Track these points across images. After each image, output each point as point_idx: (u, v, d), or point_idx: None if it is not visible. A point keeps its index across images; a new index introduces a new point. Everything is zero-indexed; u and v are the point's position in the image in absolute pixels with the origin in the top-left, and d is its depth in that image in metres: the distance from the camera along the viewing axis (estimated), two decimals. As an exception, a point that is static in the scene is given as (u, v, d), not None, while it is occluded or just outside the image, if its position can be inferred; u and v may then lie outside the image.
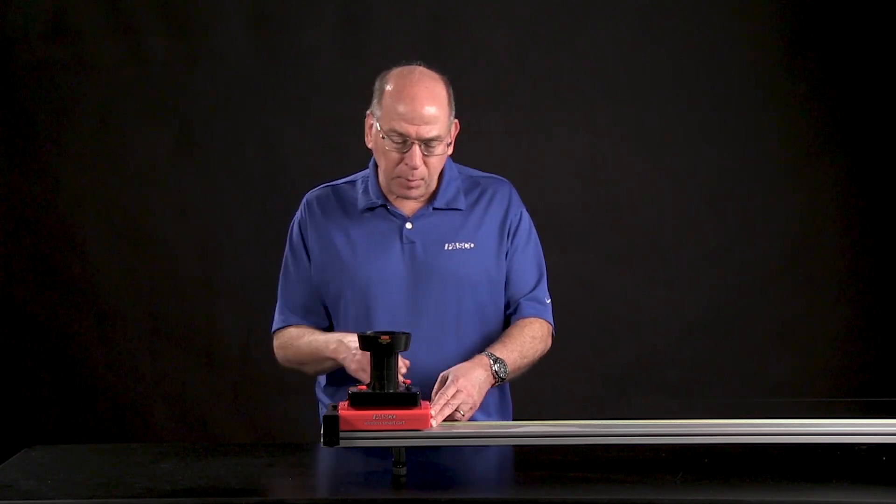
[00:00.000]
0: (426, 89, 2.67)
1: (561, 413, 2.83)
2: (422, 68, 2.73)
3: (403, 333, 2.31)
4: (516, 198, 2.87)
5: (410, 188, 2.72)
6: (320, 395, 2.89)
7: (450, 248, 2.76)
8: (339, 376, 2.74)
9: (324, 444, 2.24)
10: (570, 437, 2.37)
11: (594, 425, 2.38)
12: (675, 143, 4.53)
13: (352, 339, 2.60)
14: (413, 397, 2.27)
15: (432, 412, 2.43)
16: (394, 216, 2.78)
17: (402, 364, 2.50)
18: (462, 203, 2.81)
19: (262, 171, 4.55)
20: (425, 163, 2.69)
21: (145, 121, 4.53)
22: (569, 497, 2.21)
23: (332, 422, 2.24)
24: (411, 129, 2.65)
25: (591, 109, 4.55)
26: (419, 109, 2.64)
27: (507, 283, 2.83)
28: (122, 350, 4.57)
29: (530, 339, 2.77)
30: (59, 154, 4.54)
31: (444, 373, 2.60)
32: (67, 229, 4.55)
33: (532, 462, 2.52)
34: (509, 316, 2.85)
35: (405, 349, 2.32)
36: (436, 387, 2.56)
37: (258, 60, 4.53)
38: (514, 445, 2.53)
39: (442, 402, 2.49)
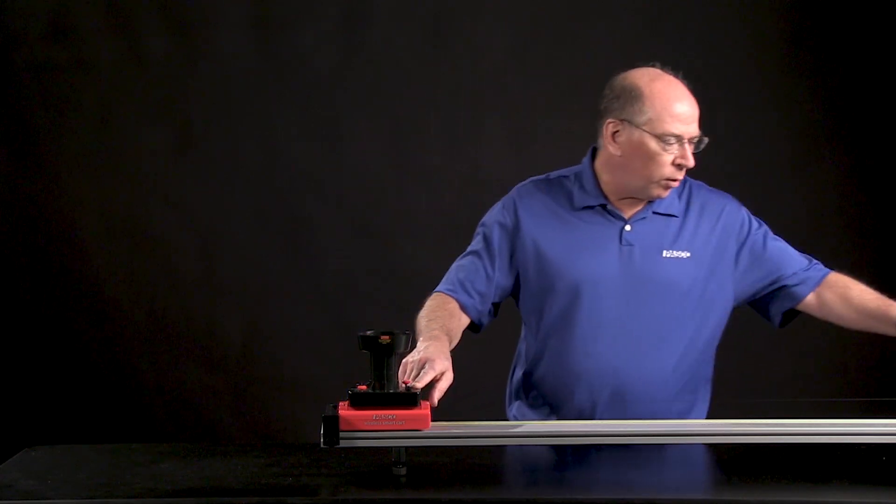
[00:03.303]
0: (684, 89, 2.75)
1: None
2: (662, 70, 2.79)
3: (404, 334, 2.30)
4: (734, 208, 2.84)
5: (669, 188, 2.73)
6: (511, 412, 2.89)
7: (667, 255, 2.75)
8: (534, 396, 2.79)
9: (323, 444, 2.24)
10: (570, 437, 2.37)
11: (594, 425, 2.37)
12: (675, 142, 4.53)
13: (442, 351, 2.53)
14: (413, 397, 2.27)
15: None
16: (613, 217, 2.77)
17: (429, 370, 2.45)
18: (677, 209, 2.80)
19: (262, 171, 4.55)
20: None
21: (145, 121, 4.54)
22: (568, 497, 2.21)
23: (332, 422, 2.24)
24: (685, 130, 2.69)
25: (591, 109, 4.53)
26: (689, 109, 2.71)
27: (779, 275, 2.80)
28: (122, 350, 4.57)
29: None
30: (59, 154, 4.54)
31: None
32: (67, 229, 4.55)
33: (532, 462, 2.53)
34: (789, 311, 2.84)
35: (405, 349, 2.32)
36: None
37: (258, 60, 4.53)
38: (513, 445, 2.53)
39: None
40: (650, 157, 2.70)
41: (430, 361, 2.43)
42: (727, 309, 2.83)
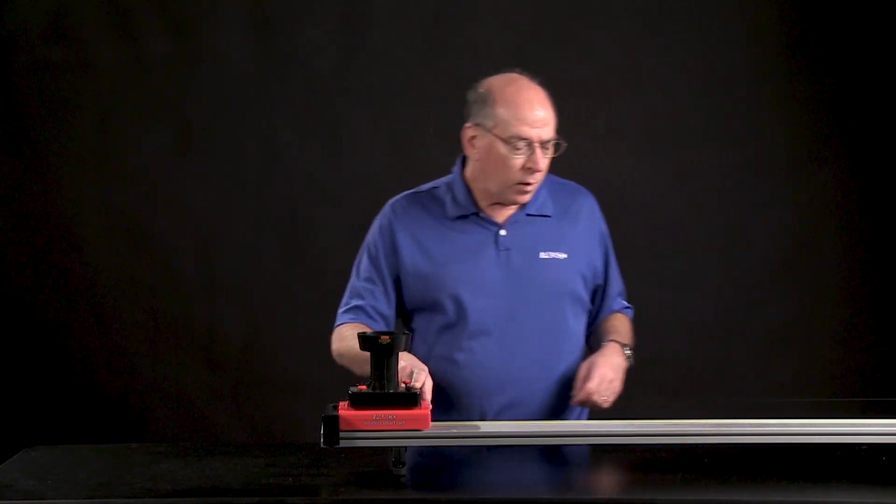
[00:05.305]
0: (537, 92, 2.75)
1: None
2: (522, 75, 2.79)
3: (403, 333, 2.31)
4: (598, 208, 2.94)
5: (526, 193, 2.75)
6: None
7: (545, 256, 2.78)
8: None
9: (323, 444, 2.24)
10: (570, 437, 2.37)
11: (594, 425, 2.37)
12: (675, 143, 4.53)
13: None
14: (413, 397, 2.27)
15: (573, 402, 2.66)
16: (487, 223, 2.80)
17: (420, 372, 2.49)
18: (550, 209, 2.83)
19: (262, 171, 4.55)
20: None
21: (145, 121, 4.53)
22: (569, 497, 2.22)
23: (332, 422, 2.24)
24: (534, 133, 2.70)
25: (590, 109, 4.54)
26: (538, 112, 2.71)
27: (605, 291, 2.90)
28: (122, 350, 4.57)
29: (631, 331, 2.91)
30: (59, 154, 4.54)
31: (585, 363, 2.72)
32: (67, 229, 4.54)
33: (532, 462, 2.53)
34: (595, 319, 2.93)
35: (405, 349, 2.32)
36: (579, 377, 2.69)
37: (258, 60, 4.53)
38: (513, 445, 2.53)
39: (584, 394, 2.65)
40: (501, 161, 2.72)
41: (416, 368, 2.50)
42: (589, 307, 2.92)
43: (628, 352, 2.79)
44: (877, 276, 4.54)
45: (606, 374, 2.69)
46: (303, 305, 4.56)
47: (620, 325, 2.89)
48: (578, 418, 2.83)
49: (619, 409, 4.35)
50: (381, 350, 2.28)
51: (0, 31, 4.50)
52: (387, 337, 2.28)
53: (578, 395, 2.68)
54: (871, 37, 4.46)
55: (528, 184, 2.73)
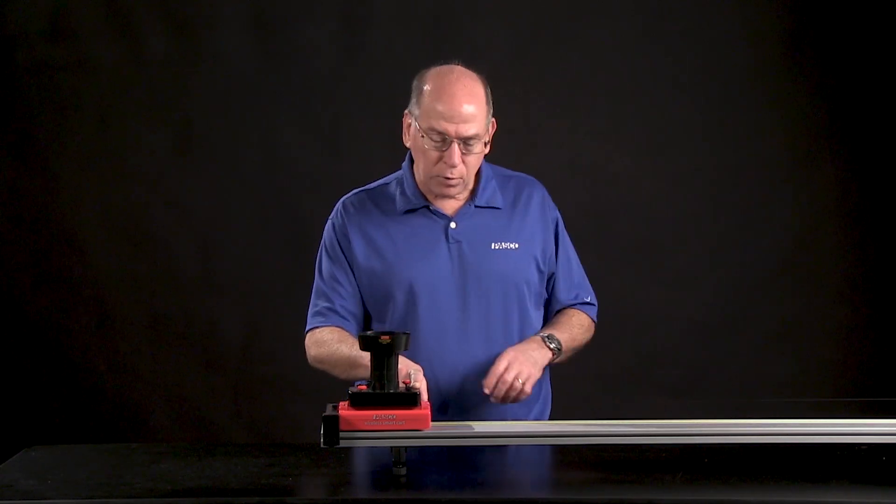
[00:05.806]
0: (465, 87, 2.70)
1: (561, 413, 2.85)
2: (461, 67, 2.76)
3: (404, 333, 2.31)
4: (549, 198, 2.92)
5: (449, 186, 2.74)
6: None
7: (496, 247, 2.79)
8: None
9: (323, 444, 2.24)
10: (570, 437, 2.37)
11: (594, 425, 2.37)
12: (675, 142, 4.53)
13: None
14: (413, 397, 2.27)
15: (486, 389, 2.63)
16: (436, 216, 2.79)
17: (418, 372, 2.50)
18: (500, 201, 2.83)
19: (262, 171, 4.55)
20: (463, 161, 2.71)
21: (145, 121, 4.54)
22: (569, 497, 2.22)
23: (332, 422, 2.24)
24: (450, 128, 2.67)
25: (590, 109, 4.55)
26: (458, 108, 2.67)
27: (554, 282, 2.88)
28: (122, 350, 4.57)
29: (577, 326, 2.87)
30: (59, 154, 4.54)
31: (498, 357, 2.69)
32: (67, 229, 4.55)
33: (532, 462, 2.53)
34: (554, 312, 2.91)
35: (405, 349, 2.32)
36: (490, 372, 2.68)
37: (258, 60, 4.53)
38: (513, 446, 2.53)
39: (493, 379, 2.63)
40: (421, 152, 2.73)
41: (412, 368, 2.50)
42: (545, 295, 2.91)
43: (553, 345, 2.76)
44: (876, 276, 4.54)
45: (515, 357, 2.66)
46: (303, 305, 4.55)
47: (566, 319, 2.87)
48: (541, 413, 2.85)
49: (619, 409, 4.38)
50: (381, 350, 2.28)
51: (0, 31, 4.50)
52: (387, 337, 2.28)
53: (485, 391, 2.66)
54: (871, 36, 4.47)
55: (448, 178, 2.71)
